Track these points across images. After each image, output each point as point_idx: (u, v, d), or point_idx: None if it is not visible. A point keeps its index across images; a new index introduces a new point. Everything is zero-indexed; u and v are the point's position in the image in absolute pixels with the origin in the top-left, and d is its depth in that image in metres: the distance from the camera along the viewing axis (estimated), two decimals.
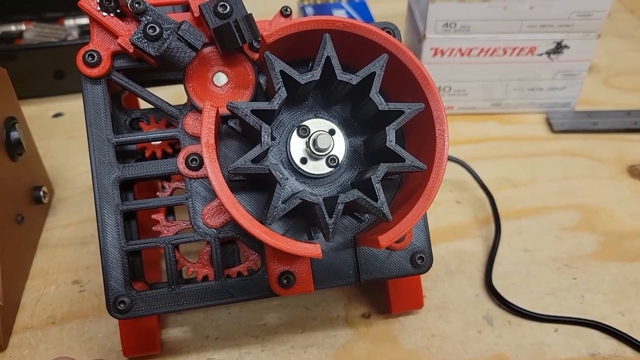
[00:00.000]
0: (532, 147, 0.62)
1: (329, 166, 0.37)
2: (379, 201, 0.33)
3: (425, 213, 0.40)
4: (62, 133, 0.64)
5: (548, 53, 0.61)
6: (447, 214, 0.55)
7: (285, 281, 0.38)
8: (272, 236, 0.33)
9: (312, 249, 0.33)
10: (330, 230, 0.33)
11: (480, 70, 0.62)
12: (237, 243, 0.41)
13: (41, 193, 0.52)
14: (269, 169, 0.33)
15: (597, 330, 0.45)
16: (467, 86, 0.63)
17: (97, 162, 0.38)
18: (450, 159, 0.55)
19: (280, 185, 0.33)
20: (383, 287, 0.46)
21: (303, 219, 0.38)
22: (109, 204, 0.38)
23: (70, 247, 0.51)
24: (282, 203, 0.33)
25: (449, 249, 0.51)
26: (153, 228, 0.40)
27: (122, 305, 0.37)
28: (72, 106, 0.66)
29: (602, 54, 0.75)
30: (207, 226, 0.38)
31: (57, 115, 0.66)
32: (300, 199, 0.33)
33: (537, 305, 0.47)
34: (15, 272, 0.46)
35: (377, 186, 0.34)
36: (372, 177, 0.34)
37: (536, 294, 0.48)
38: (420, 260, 0.40)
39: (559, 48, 0.60)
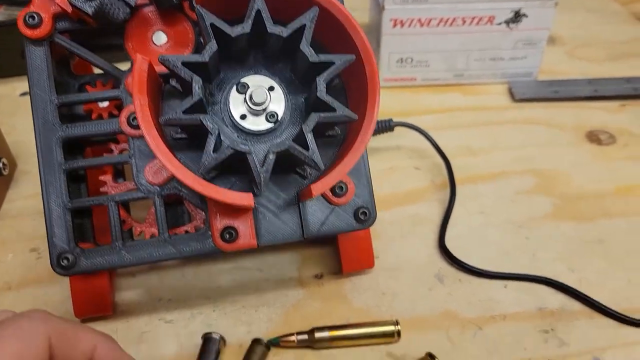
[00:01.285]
0: (493, 116, 0.63)
1: (268, 121, 0.37)
2: (310, 150, 0.34)
3: (368, 168, 0.41)
4: (28, 111, 0.64)
5: (507, 22, 0.61)
6: (404, 179, 0.55)
7: (227, 236, 0.39)
8: (204, 185, 0.33)
9: (244, 198, 0.34)
10: (262, 179, 0.34)
11: (440, 41, 0.62)
12: (185, 204, 0.42)
13: (1, 165, 0.52)
14: (199, 119, 0.33)
15: (545, 286, 0.46)
16: (428, 57, 0.64)
17: (40, 123, 0.39)
18: (408, 125, 0.56)
19: (211, 134, 0.33)
20: (336, 249, 0.47)
21: (245, 176, 0.39)
22: (52, 163, 0.38)
23: (30, 218, 0.52)
24: (213, 152, 0.33)
25: (405, 213, 0.52)
26: (100, 189, 0.41)
27: (65, 262, 0.38)
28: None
29: (567, 27, 0.75)
30: (150, 184, 0.39)
31: (24, 94, 0.67)
32: (231, 148, 0.33)
33: (489, 265, 0.47)
34: None
35: (309, 135, 0.34)
36: (303, 126, 0.34)
37: (488, 254, 0.48)
38: (363, 215, 0.41)
39: (517, 17, 0.61)
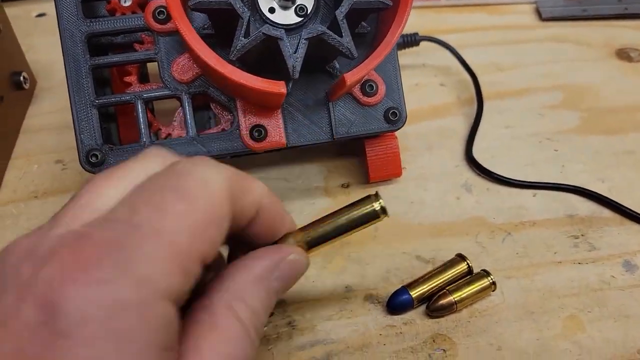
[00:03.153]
0: (520, 34, 0.61)
1: (298, 15, 0.36)
2: (344, 36, 0.33)
3: (399, 70, 0.40)
4: (44, 31, 0.63)
5: None
6: (430, 95, 0.54)
7: (256, 134, 0.38)
8: (234, 71, 0.33)
9: (277, 84, 0.33)
10: (295, 66, 0.33)
11: None
12: (211, 107, 0.41)
13: (21, 78, 0.52)
14: (230, 2, 0.32)
15: (575, 195, 0.45)
16: None
17: (65, 20, 0.38)
18: (434, 40, 0.55)
19: (242, 19, 0.32)
20: (363, 158, 0.46)
21: (275, 76, 0.38)
22: (77, 59, 0.38)
23: (54, 131, 0.52)
24: (243, 37, 0.33)
25: (431, 126, 0.51)
26: (126, 91, 0.40)
27: (94, 159, 0.38)
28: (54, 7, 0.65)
29: None
30: (177, 81, 0.38)
31: (40, 15, 0.66)
32: (263, 33, 0.33)
33: (517, 176, 0.46)
34: None
35: (342, 22, 0.33)
36: (336, 12, 0.33)
37: (516, 165, 0.48)
38: (393, 116, 0.40)
39: None
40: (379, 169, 0.45)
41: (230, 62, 0.33)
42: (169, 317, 0.21)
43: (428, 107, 0.53)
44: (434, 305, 0.38)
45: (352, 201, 0.31)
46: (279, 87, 0.33)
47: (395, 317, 0.39)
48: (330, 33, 0.33)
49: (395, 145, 0.45)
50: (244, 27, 0.32)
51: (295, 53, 0.33)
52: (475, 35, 0.61)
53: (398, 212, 0.44)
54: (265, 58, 0.35)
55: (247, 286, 0.26)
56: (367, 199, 0.30)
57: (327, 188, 0.46)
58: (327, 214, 0.31)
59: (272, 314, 0.39)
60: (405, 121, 0.41)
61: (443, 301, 0.38)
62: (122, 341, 0.19)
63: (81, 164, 0.38)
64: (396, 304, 0.38)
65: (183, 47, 0.38)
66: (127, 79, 0.40)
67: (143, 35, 0.40)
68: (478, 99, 0.52)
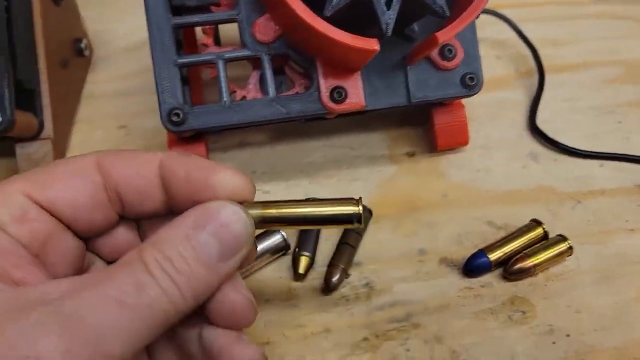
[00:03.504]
0: (577, 10, 0.60)
1: None
2: None
3: (476, 34, 0.40)
4: (98, 2, 0.63)
5: None
6: (488, 68, 0.53)
7: (336, 95, 0.38)
8: (328, 28, 0.33)
9: (370, 42, 0.33)
10: (388, 24, 0.33)
11: None
12: (286, 71, 0.41)
13: (82, 45, 0.52)
14: None
15: None
16: None
17: None
18: (492, 12, 0.54)
19: None
20: (427, 127, 0.46)
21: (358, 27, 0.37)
22: (160, 18, 0.38)
23: (114, 98, 0.52)
24: None
25: (491, 97, 0.51)
26: (202, 52, 0.40)
27: (175, 118, 0.38)
28: None
29: None
30: (257, 42, 0.38)
31: None
32: None
33: (581, 147, 0.46)
34: (62, 114, 0.47)
35: None
36: None
37: (579, 137, 0.48)
38: (470, 81, 0.40)
39: None
40: (447, 137, 0.45)
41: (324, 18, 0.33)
42: None
43: (488, 79, 0.52)
44: (512, 269, 0.38)
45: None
46: (372, 44, 0.33)
47: (472, 279, 0.39)
48: None
49: (463, 113, 0.45)
50: None
51: (388, 10, 0.33)
52: (530, 11, 0.61)
53: (465, 179, 0.45)
54: (352, 16, 0.35)
55: (168, 241, 0.24)
56: (348, 201, 0.27)
57: (392, 156, 0.46)
58: (301, 198, 0.29)
59: (347, 275, 0.39)
60: (482, 87, 0.41)
61: (521, 264, 0.38)
62: None
63: (163, 123, 0.38)
64: (474, 266, 0.38)
65: (265, 7, 0.38)
66: (204, 40, 0.41)
67: None
68: (539, 71, 0.52)
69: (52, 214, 0.25)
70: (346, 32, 0.33)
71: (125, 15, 0.57)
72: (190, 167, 0.26)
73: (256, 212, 0.27)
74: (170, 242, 0.24)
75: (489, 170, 0.45)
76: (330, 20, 0.34)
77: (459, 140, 0.45)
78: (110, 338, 0.21)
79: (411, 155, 0.46)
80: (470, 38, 0.40)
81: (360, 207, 0.27)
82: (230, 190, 0.26)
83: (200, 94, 0.49)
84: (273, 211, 0.27)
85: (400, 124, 0.48)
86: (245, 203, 0.26)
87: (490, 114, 0.49)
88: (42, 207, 0.25)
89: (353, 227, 0.28)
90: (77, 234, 0.27)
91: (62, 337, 0.20)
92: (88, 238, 0.28)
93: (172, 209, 0.27)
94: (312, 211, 0.27)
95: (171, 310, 0.23)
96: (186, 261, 0.23)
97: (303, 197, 0.43)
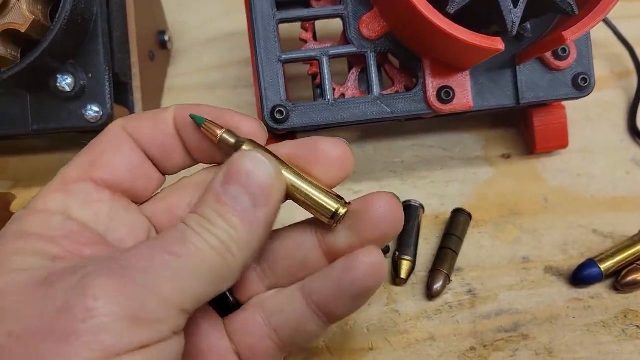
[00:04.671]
0: None
1: None
2: None
3: (590, 32, 0.38)
4: None
5: None
6: None
7: (444, 96, 0.37)
8: (453, 27, 0.31)
9: (494, 41, 0.32)
10: (515, 20, 0.31)
11: None
12: (385, 68, 0.40)
13: (166, 37, 0.51)
14: None
15: None
16: None
17: None
18: None
19: None
20: (523, 129, 0.45)
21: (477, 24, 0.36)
22: (265, 12, 0.37)
23: (195, 91, 0.51)
24: None
25: (588, 98, 0.49)
26: (302, 48, 0.39)
27: (279, 115, 0.37)
28: None
29: None
30: (363, 38, 0.37)
31: None
32: None
33: None
34: (150, 107, 0.47)
35: None
36: None
37: None
38: (583, 82, 0.38)
39: None
40: (546, 139, 0.43)
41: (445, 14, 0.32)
42: None
43: None
44: (625, 280, 0.36)
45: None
46: (497, 44, 0.32)
47: (580, 290, 0.37)
48: None
49: (563, 114, 0.43)
50: None
51: (515, 8, 0.31)
52: (625, 7, 0.58)
53: (566, 184, 0.43)
54: (471, 13, 0.33)
55: (203, 203, 0.25)
56: (337, 198, 0.27)
57: (488, 158, 0.45)
58: (300, 171, 0.27)
59: (450, 281, 0.38)
60: (594, 87, 0.39)
61: (636, 276, 0.36)
62: None
63: (265, 121, 0.37)
64: (584, 276, 0.37)
65: (373, 2, 0.37)
66: (304, 36, 0.40)
67: None
68: (638, 71, 0.50)
69: (111, 189, 0.27)
70: (471, 31, 0.31)
71: (201, 5, 0.57)
72: (213, 113, 0.27)
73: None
74: (205, 203, 0.25)
75: (591, 175, 0.43)
76: (450, 17, 0.33)
77: (558, 143, 0.43)
78: (163, 282, 0.22)
79: (507, 157, 0.45)
80: (583, 36, 0.38)
81: (344, 211, 0.27)
82: (245, 132, 0.27)
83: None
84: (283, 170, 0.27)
85: (494, 124, 0.47)
86: (250, 141, 0.27)
87: (588, 116, 0.47)
88: (101, 186, 0.27)
89: (326, 222, 0.27)
90: (135, 200, 0.28)
91: (116, 280, 0.21)
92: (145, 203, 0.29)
93: (195, 158, 0.29)
94: (303, 186, 0.27)
95: (220, 265, 0.24)
96: (223, 217, 0.24)
97: None
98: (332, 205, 0.27)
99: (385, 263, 0.26)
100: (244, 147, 0.27)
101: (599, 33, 0.53)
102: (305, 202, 0.27)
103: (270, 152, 0.27)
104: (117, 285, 0.21)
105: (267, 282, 0.29)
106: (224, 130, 0.27)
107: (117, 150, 0.27)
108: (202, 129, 0.27)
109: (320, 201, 0.27)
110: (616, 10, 0.56)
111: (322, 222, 0.27)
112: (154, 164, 0.29)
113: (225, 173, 0.25)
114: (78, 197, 0.26)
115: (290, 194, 0.27)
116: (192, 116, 0.27)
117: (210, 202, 0.25)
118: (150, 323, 0.21)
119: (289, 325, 0.28)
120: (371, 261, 0.26)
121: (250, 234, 0.24)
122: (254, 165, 0.25)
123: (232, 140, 0.27)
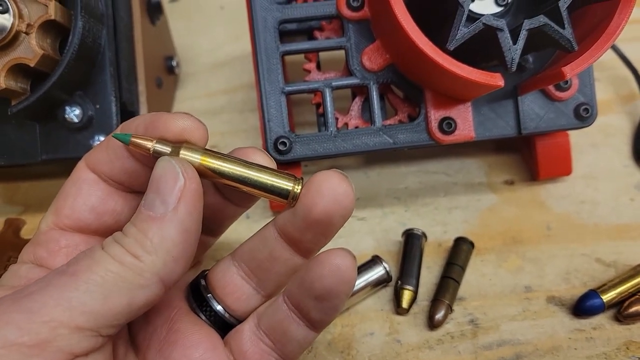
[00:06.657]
0: None
1: (498, 5, 0.35)
2: (566, 28, 0.32)
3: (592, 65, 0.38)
4: (179, 17, 0.63)
5: None
6: None
7: (446, 127, 0.37)
8: (451, 62, 0.32)
9: (494, 77, 0.32)
10: (514, 57, 0.32)
11: None
12: (387, 98, 0.40)
13: (174, 63, 0.52)
14: None
15: None
16: None
17: (258, 3, 0.37)
18: None
19: (462, 8, 0.31)
20: (526, 155, 0.45)
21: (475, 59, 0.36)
22: (269, 45, 0.37)
23: (202, 117, 0.51)
24: (463, 27, 0.31)
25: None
26: (305, 78, 0.40)
27: (282, 146, 0.37)
28: None
29: None
30: (365, 69, 0.38)
31: (173, 0, 0.66)
32: (483, 23, 0.31)
33: None
34: None
35: (564, 12, 0.32)
36: (559, 3, 0.32)
37: None
38: (585, 112, 0.39)
39: None
40: (549, 166, 0.43)
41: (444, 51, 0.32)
42: None
43: None
44: (628, 311, 0.36)
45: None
46: (497, 80, 0.32)
47: (582, 320, 0.37)
48: (553, 24, 0.31)
49: (567, 142, 0.43)
50: (464, 16, 0.31)
51: (515, 45, 0.32)
52: (629, 29, 0.58)
53: (569, 211, 0.43)
54: (470, 48, 0.34)
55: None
56: (289, 176, 0.27)
57: (491, 184, 0.45)
58: (244, 160, 0.27)
59: (451, 311, 0.38)
60: (595, 118, 0.39)
61: (638, 307, 0.36)
62: None
63: (268, 152, 0.38)
64: (586, 308, 0.37)
65: (376, 35, 0.37)
66: (308, 66, 0.40)
67: (323, 23, 0.40)
68: None
69: (81, 232, 0.28)
70: (471, 67, 0.32)
71: (208, 29, 0.57)
72: (146, 122, 0.27)
73: (196, 155, 0.26)
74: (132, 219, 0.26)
75: (594, 202, 0.43)
76: (450, 52, 0.33)
77: (561, 171, 0.44)
78: (50, 303, 0.22)
79: (510, 183, 0.45)
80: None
81: (299, 187, 0.27)
82: (177, 131, 0.26)
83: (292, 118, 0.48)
84: (211, 160, 0.26)
85: (497, 150, 0.47)
86: (186, 144, 0.26)
87: (592, 142, 0.48)
88: (68, 231, 0.28)
89: (285, 203, 0.27)
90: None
91: (5, 309, 0.22)
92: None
93: None
94: (250, 174, 0.26)
95: (123, 273, 0.24)
96: (136, 226, 0.25)
97: (400, 226, 0.42)
98: (286, 184, 0.26)
99: (353, 265, 0.26)
100: (182, 151, 0.26)
101: (604, 55, 0.53)
102: (259, 191, 0.27)
103: (208, 151, 0.26)
104: (5, 314, 0.22)
105: (263, 293, 0.30)
106: (154, 141, 0.26)
107: (77, 193, 0.28)
108: (131, 147, 0.26)
109: (274, 184, 0.26)
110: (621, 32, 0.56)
111: (282, 204, 0.27)
112: (127, 188, 0.28)
113: (148, 184, 0.26)
114: (47, 247, 0.27)
115: (242, 187, 0.26)
116: (115, 136, 0.26)
117: (134, 216, 0.25)
118: (39, 346, 0.21)
119: (274, 328, 0.28)
120: (335, 263, 0.26)
121: (161, 237, 0.24)
122: (163, 169, 0.25)
123: (167, 149, 0.26)
